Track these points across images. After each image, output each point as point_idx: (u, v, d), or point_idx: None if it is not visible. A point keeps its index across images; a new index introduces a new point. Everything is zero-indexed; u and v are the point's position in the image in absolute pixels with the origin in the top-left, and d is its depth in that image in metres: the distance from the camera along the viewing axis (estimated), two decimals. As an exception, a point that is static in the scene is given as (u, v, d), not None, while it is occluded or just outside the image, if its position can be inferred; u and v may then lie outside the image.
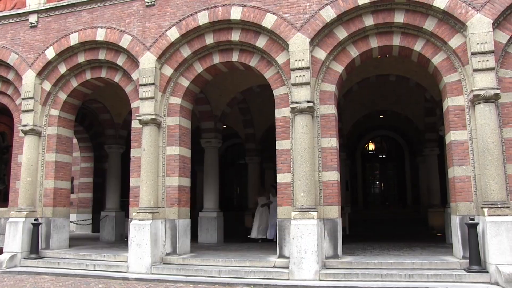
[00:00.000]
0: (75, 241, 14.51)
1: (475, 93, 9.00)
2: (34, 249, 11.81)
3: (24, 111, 12.57)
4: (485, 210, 8.63)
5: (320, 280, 8.96)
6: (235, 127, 19.18)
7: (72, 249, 12.59)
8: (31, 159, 12.37)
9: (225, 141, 19.33)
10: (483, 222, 8.66)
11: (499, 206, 8.58)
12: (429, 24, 9.76)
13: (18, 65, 12.92)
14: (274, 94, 10.58)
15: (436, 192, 17.38)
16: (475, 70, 9.13)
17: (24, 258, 11.75)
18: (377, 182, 24.15)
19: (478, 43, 9.14)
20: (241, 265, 9.93)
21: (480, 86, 9.00)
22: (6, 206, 13.57)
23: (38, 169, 12.54)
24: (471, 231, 8.69)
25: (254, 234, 14.76)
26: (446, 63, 9.78)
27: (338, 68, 10.33)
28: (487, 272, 8.42)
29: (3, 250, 11.95)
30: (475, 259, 8.60)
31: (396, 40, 10.11)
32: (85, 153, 20.39)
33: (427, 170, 18.14)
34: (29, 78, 12.61)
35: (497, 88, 8.97)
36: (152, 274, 10.16)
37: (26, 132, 12.44)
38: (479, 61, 9.11)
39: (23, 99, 12.65)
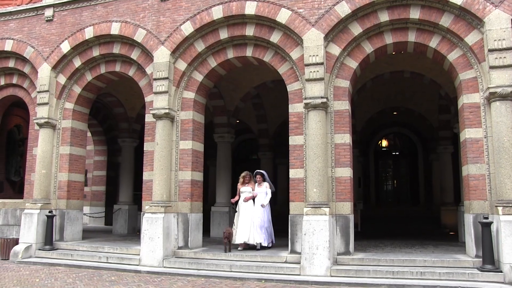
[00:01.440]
0: (88, 234, 14.67)
1: (491, 90, 8.88)
2: (48, 240, 11.98)
3: (39, 104, 12.73)
4: (500, 209, 8.53)
5: (332, 276, 8.95)
6: (248, 122, 19.19)
7: (85, 241, 12.73)
8: (46, 151, 12.52)
9: (238, 136, 19.37)
10: (497, 221, 8.56)
11: (514, 205, 8.47)
12: (445, 20, 9.64)
13: (34, 59, 13.06)
14: (288, 90, 10.56)
15: (449, 190, 17.23)
16: (492, 67, 9.01)
17: (39, 249, 11.93)
18: (390, 180, 23.99)
19: (495, 40, 9.00)
20: (252, 260, 9.95)
21: (497, 84, 8.88)
22: (22, 198, 13.77)
23: (53, 161, 12.69)
24: (485, 230, 8.59)
25: (237, 238, 11.05)
26: (462, 60, 9.66)
27: (353, 64, 10.27)
28: (501, 271, 8.32)
29: (19, 241, 12.14)
30: (489, 258, 8.51)
31: (412, 36, 10.01)
32: (99, 146, 20.57)
33: (441, 168, 17.98)
34: (44, 71, 12.75)
35: (514, 86, 8.83)
36: (164, 267, 10.24)
37: (41, 125, 12.60)
38: (496, 58, 8.98)
39: (38, 92, 12.81)
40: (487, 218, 8.69)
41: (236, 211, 11.62)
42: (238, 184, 11.60)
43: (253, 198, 11.40)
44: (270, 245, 11.17)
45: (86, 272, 10.01)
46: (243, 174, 11.62)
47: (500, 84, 8.85)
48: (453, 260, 9.09)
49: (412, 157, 22.84)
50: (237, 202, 11.61)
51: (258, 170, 11.70)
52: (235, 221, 11.43)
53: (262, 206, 11.16)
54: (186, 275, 9.41)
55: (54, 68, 12.70)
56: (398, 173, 23.61)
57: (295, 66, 10.44)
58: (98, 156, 20.84)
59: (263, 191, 11.33)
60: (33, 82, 13.39)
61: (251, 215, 11.08)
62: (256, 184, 11.49)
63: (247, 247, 10.98)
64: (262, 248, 10.90)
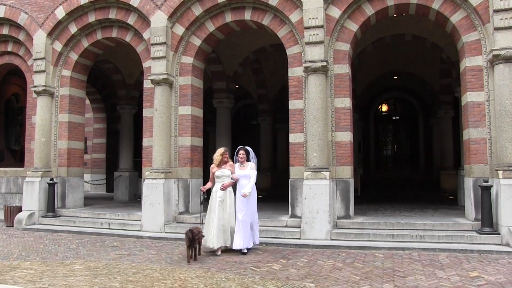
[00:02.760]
0: (89, 201, 14.78)
1: (495, 53, 8.73)
2: (50, 207, 12.07)
3: (36, 72, 12.56)
4: (500, 172, 8.54)
5: (332, 239, 9.04)
6: (247, 87, 19.03)
7: (87, 208, 12.83)
8: (45, 120, 12.45)
9: (238, 102, 19.29)
10: (497, 185, 8.59)
11: (514, 168, 8.47)
12: (449, -20, 9.39)
13: (28, 25, 12.81)
14: (287, 53, 10.39)
15: (449, 155, 17.24)
16: (496, 29, 8.81)
17: (42, 216, 12.04)
18: (390, 144, 24.00)
19: (501, 0, 8.78)
20: (253, 225, 10.03)
21: (501, 46, 8.72)
22: (23, 166, 13.79)
23: (52, 129, 12.63)
24: (485, 193, 8.63)
25: (212, 241, 8.13)
26: (465, 22, 9.46)
27: (353, 26, 10.07)
28: (499, 234, 8.41)
29: (22, 209, 12.24)
30: (487, 221, 8.58)
31: (414, -2, 9.78)
32: (98, 114, 20.49)
33: (441, 132, 17.93)
34: (40, 38, 12.52)
35: (519, 48, 8.68)
36: (165, 232, 10.34)
37: (38, 93, 12.48)
38: (502, 19, 8.77)
39: (34, 59, 12.62)
40: (487, 181, 8.71)
41: (204, 202, 8.78)
42: (212, 165, 8.53)
43: (234, 185, 8.52)
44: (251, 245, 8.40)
45: (88, 238, 10.12)
46: (220, 151, 8.55)
47: (505, 46, 8.69)
48: (452, 223, 9.15)
49: (412, 122, 22.78)
50: (209, 191, 8.70)
51: (242, 146, 8.65)
52: (207, 216, 8.35)
53: (244, 196, 8.19)
54: (188, 240, 9.51)
55: (49, 35, 12.48)
56: (398, 138, 23.59)
57: (295, 29, 10.24)
58: (97, 123, 20.80)
59: (247, 174, 8.38)
60: (29, 50, 13.17)
61: (231, 208, 8.34)
62: (238, 164, 8.53)
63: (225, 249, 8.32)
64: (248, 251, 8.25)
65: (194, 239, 7.46)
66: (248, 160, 8.58)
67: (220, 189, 8.29)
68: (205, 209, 8.64)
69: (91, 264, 7.31)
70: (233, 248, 8.15)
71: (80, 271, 6.78)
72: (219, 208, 8.20)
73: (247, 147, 8.69)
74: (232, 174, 8.43)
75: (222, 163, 8.48)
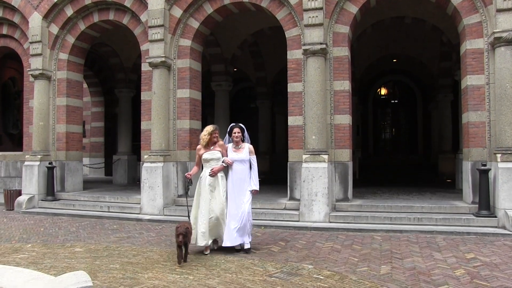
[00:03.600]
0: (88, 184, 14.82)
1: (497, 35, 8.66)
2: (50, 191, 12.10)
3: (33, 55, 12.46)
4: (498, 156, 8.55)
5: (330, 222, 9.09)
6: (246, 70, 18.94)
7: (86, 192, 12.87)
8: (43, 103, 12.39)
9: (236, 85, 19.18)
10: (495, 168, 8.61)
11: (512, 152, 8.49)
12: (450, -39, 9.29)
13: (23, 8, 12.66)
14: (286, 36, 10.32)
15: (447, 139, 17.25)
16: (499, 11, 8.73)
17: (41, 200, 12.08)
18: (388, 128, 24.01)
19: (505, -20, 8.69)
20: (252, 207, 10.01)
21: (503, 28, 8.64)
22: (21, 150, 13.79)
23: (50, 113, 12.58)
24: (483, 177, 8.66)
25: (201, 240, 6.73)
26: (467, 4, 9.37)
27: (353, 9, 9.97)
28: (495, 216, 8.47)
29: (22, 192, 12.26)
30: (485, 204, 8.63)
31: (414, -21, 9.69)
32: (95, 97, 20.41)
33: (440, 116, 17.91)
34: (35, 21, 12.39)
35: (521, 30, 8.62)
36: (165, 215, 10.40)
37: (36, 77, 12.40)
38: (505, 0, 8.69)
39: (30, 43, 12.51)
40: (485, 165, 8.73)
41: (188, 191, 7.14)
42: (199, 146, 7.08)
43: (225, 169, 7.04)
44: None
45: (88, 221, 10.17)
46: (208, 129, 7.01)
47: (507, 28, 8.61)
48: (449, 207, 9.21)
49: (411, 106, 22.76)
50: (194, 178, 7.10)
51: (236, 123, 7.18)
52: (193, 207, 6.95)
53: (255, 193, 7.02)
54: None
55: (45, 17, 12.34)
56: (397, 121, 23.59)
57: (294, 11, 10.15)
58: (95, 107, 20.73)
59: (244, 159, 6.93)
60: (25, 33, 13.06)
61: (224, 197, 6.89)
62: (231, 145, 7.07)
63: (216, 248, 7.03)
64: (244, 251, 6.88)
65: (184, 237, 6.02)
66: (243, 140, 7.06)
67: (209, 175, 6.82)
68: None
69: (91, 247, 7.35)
70: (229, 245, 6.78)
71: (81, 254, 6.82)
72: (209, 197, 6.79)
73: (241, 124, 7.12)
74: (224, 156, 6.99)
75: (211, 143, 7.01)
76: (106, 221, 10.23)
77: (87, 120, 20.80)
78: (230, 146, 7.06)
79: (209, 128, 7.07)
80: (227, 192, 6.95)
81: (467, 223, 8.51)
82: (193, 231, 6.62)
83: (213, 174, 6.87)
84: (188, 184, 7.00)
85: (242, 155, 6.95)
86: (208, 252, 6.78)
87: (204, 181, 6.87)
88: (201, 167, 7.11)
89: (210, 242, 6.86)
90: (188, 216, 6.92)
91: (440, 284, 5.07)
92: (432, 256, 6.48)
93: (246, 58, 17.54)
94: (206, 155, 6.95)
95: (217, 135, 7.06)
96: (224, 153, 7.04)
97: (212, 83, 15.39)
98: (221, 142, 7.10)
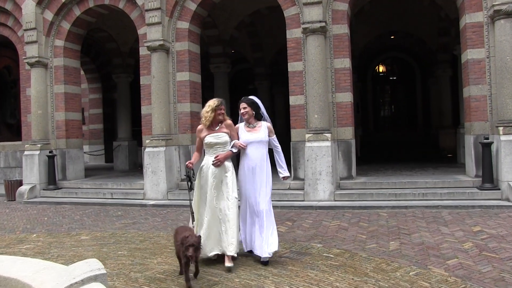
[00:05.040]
0: (90, 172, 14.79)
1: (496, 8, 8.57)
2: (51, 180, 12.06)
3: (28, 43, 12.29)
4: (500, 129, 8.54)
5: (335, 200, 9.11)
6: (243, 51, 18.77)
7: (88, 179, 12.84)
8: (40, 91, 12.27)
9: (234, 67, 19.00)
10: (497, 141, 8.61)
11: (515, 124, 8.48)
12: None
13: (15, -6, 12.46)
14: (285, 15, 10.19)
15: (447, 114, 17.23)
16: (499, -18, 8.64)
17: (43, 189, 12.04)
18: (388, 105, 23.94)
19: (505, -50, 8.55)
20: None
21: (502, 0, 8.55)
22: (20, 140, 13.70)
23: (48, 101, 12.47)
24: (485, 150, 8.66)
25: (206, 247, 5.14)
26: (466, -24, 9.26)
27: (351, -15, 9.86)
28: (499, 189, 8.51)
29: (23, 182, 12.21)
30: (488, 177, 8.65)
31: (413, -48, 9.53)
32: (93, 84, 20.23)
33: (439, 91, 17.86)
34: (29, 7, 12.19)
35: (521, 1, 8.53)
36: (169, 200, 10.40)
37: (32, 65, 12.25)
38: (505, -29, 8.58)
39: (25, 30, 12.32)
40: (487, 138, 8.73)
41: (192, 185, 5.35)
42: (200, 127, 5.46)
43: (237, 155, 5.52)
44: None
45: (92, 209, 10.16)
46: (212, 103, 5.35)
47: (506, 0, 8.53)
48: (453, 181, 9.24)
49: (410, 82, 22.64)
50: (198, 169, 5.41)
51: (246, 97, 5.62)
52: (195, 207, 5.38)
53: (285, 179, 5.65)
54: (192, 206, 9.55)
55: (39, 3, 12.14)
56: (396, 98, 23.50)
57: (292, -11, 10.01)
58: (93, 94, 20.55)
59: (262, 139, 5.41)
60: (18, 20, 12.87)
61: (234, 193, 5.27)
62: (242, 124, 5.52)
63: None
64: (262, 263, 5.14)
65: (194, 249, 4.31)
66: (258, 118, 5.54)
67: (213, 163, 5.21)
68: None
69: (97, 234, 7.35)
70: (253, 253, 5.32)
71: (87, 241, 6.83)
72: (213, 193, 5.21)
73: (253, 98, 5.61)
74: (230, 140, 5.37)
75: (215, 122, 5.36)
76: (110, 208, 10.22)
77: (85, 107, 20.64)
78: (241, 125, 5.50)
79: (212, 102, 5.35)
80: (239, 185, 5.40)
81: (471, 197, 8.54)
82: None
83: (218, 162, 5.20)
84: (191, 176, 5.29)
85: (260, 135, 5.38)
86: (231, 264, 5.01)
87: (206, 172, 5.25)
88: (202, 153, 5.56)
89: (213, 254, 5.19)
90: (192, 219, 5.20)
91: (450, 258, 5.10)
92: (439, 230, 6.50)
93: (244, 39, 17.38)
94: (210, 138, 5.28)
95: (223, 111, 5.37)
96: (234, 136, 5.40)
97: (210, 65, 15.27)
98: (228, 121, 5.43)
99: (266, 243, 5.08)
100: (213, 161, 5.23)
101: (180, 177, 11.00)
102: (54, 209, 10.38)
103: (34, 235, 7.55)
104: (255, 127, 5.47)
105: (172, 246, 6.16)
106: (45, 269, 3.36)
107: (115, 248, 6.26)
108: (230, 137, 5.39)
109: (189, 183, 5.33)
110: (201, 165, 5.38)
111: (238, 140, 5.41)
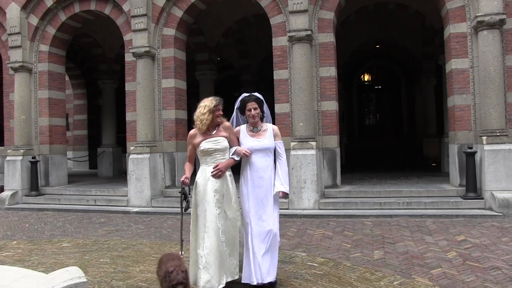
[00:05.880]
0: (73, 178, 14.60)
1: (479, 19, 8.71)
2: (34, 186, 11.86)
3: (12, 47, 12.12)
4: (484, 138, 8.64)
5: (320, 209, 9.11)
6: (229, 58, 18.77)
7: (72, 186, 12.67)
8: (24, 96, 12.10)
9: (220, 74, 18.98)
10: (481, 150, 8.70)
11: (497, 134, 8.59)
12: None
13: (-1, -2, 12.31)
14: (271, 23, 10.22)
15: (432, 122, 17.39)
16: (481, -6, 8.78)
17: (25, 196, 11.83)
18: (373, 113, 24.12)
19: (487, -36, 8.70)
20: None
21: (485, 12, 8.69)
22: (2, 145, 13.48)
23: (32, 106, 12.29)
24: (469, 159, 8.75)
25: (205, 279, 4.12)
26: (450, -13, 9.40)
27: (337, -6, 9.92)
28: (482, 198, 8.58)
29: (4, 188, 12.00)
30: (472, 187, 8.73)
31: (398, -37, 9.65)
32: (78, 90, 20.02)
33: (424, 100, 18.05)
34: (13, 11, 12.03)
35: (503, 14, 8.69)
36: (152, 207, 10.29)
37: (16, 69, 12.08)
38: (487, -17, 8.73)
39: (9, 34, 12.15)
40: (471, 148, 8.81)
41: (187, 203, 4.53)
42: (192, 131, 4.60)
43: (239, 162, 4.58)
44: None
45: (75, 216, 10.01)
46: (209, 104, 4.47)
47: (489, 12, 8.67)
48: (438, 190, 9.31)
49: (395, 91, 22.85)
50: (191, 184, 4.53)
51: (251, 94, 4.72)
52: (192, 230, 4.47)
53: (285, 196, 4.69)
54: (175, 214, 9.41)
55: (23, 8, 12.00)
56: (381, 106, 23.69)
57: (278, -2, 10.05)
58: (77, 100, 20.34)
59: (268, 146, 4.56)
60: (2, 24, 12.70)
61: (237, 211, 4.51)
62: (244, 127, 4.66)
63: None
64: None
65: (180, 281, 3.63)
66: (262, 118, 4.66)
67: (213, 175, 4.36)
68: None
69: (79, 241, 7.24)
70: (253, 283, 4.34)
71: (69, 248, 6.71)
72: (215, 210, 4.28)
73: (257, 94, 4.70)
74: (230, 146, 4.52)
75: (212, 126, 4.48)
76: (93, 214, 10.08)
77: (70, 113, 20.42)
78: (243, 128, 4.63)
79: (209, 102, 4.46)
80: (242, 198, 4.55)
81: (455, 206, 8.61)
82: (190, 268, 4.35)
83: (220, 173, 4.36)
84: (187, 193, 4.52)
85: (265, 141, 4.52)
86: None
87: (203, 186, 4.37)
88: (194, 164, 4.70)
89: (224, 283, 4.25)
90: (181, 250, 4.51)
91: (434, 267, 5.11)
92: (423, 239, 6.52)
93: (230, 46, 17.39)
94: (207, 144, 4.42)
95: (221, 112, 4.51)
96: (234, 140, 4.56)
97: (196, 73, 15.23)
98: (227, 123, 4.59)
99: (273, 267, 4.41)
100: (212, 172, 4.37)
101: (164, 184, 10.92)
102: (36, 216, 10.19)
103: (15, 242, 7.40)
104: (259, 130, 4.59)
105: (155, 254, 6.11)
106: (24, 278, 3.28)
107: (97, 256, 6.16)
108: (229, 142, 4.54)
109: (184, 202, 4.46)
110: (196, 178, 4.47)
111: (239, 145, 4.57)
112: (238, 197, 4.55)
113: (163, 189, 10.86)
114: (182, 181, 4.43)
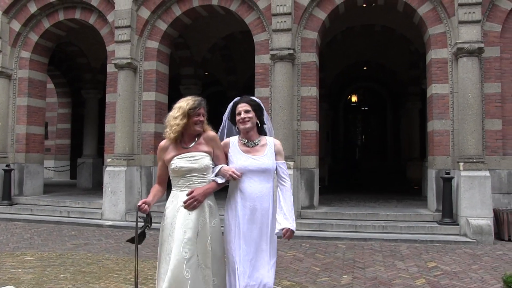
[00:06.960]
0: (51, 188, 14.34)
1: (459, 46, 8.77)
2: (6, 195, 11.56)
3: (-9, 52, 11.98)
4: (461, 164, 8.63)
5: (296, 230, 8.92)
6: (217, 74, 18.75)
7: (47, 196, 12.41)
8: (1, 103, 11.90)
9: (207, 89, 18.96)
10: (458, 176, 8.68)
11: (474, 160, 8.59)
12: (417, -29, 9.36)
13: (-19, 2, 12.18)
14: (255, 40, 10.21)
15: (416, 146, 17.45)
16: (461, 22, 8.88)
17: (-4, 204, 11.54)
18: (359, 134, 24.16)
19: (466, -7, 8.81)
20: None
21: (465, 39, 8.78)
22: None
23: (9, 113, 12.08)
24: (446, 185, 8.72)
25: None
26: (431, 14, 9.47)
27: (321, 15, 9.94)
28: (458, 224, 8.54)
29: (-26, 196, 11.71)
30: (448, 212, 8.69)
31: (382, -13, 9.72)
32: (62, 98, 19.82)
33: (409, 123, 18.14)
34: (-6, 16, 11.93)
35: (482, 42, 8.80)
36: (127, 221, 10.09)
37: (-6, 75, 11.92)
38: (466, 12, 8.84)
39: (-12, 39, 12.03)
40: (449, 173, 8.79)
41: (143, 238, 3.50)
42: (164, 143, 3.39)
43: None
44: None
45: (45, 227, 9.76)
46: (184, 105, 3.24)
47: (468, 39, 8.76)
48: (414, 214, 9.23)
49: (381, 113, 22.95)
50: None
51: (248, 96, 3.60)
52: (158, 274, 3.24)
53: (289, 237, 3.38)
54: (150, 228, 9.26)
55: (6, 12, 11.88)
56: (367, 128, 23.75)
57: (262, 15, 10.05)
58: (62, 108, 20.13)
59: (267, 166, 3.34)
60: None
61: (217, 252, 3.28)
62: (236, 139, 3.45)
63: None
64: None
65: None
66: (261, 131, 3.52)
67: (185, 205, 3.21)
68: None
69: (44, 255, 7.01)
70: None
71: (31, 262, 6.48)
72: (183, 254, 3.07)
73: (255, 98, 3.60)
74: (218, 163, 3.39)
75: (189, 136, 3.35)
76: (64, 227, 9.83)
77: (53, 121, 20.21)
78: (234, 141, 3.46)
79: (184, 102, 3.30)
80: (228, 237, 3.35)
81: (431, 231, 8.53)
82: None
83: (195, 203, 3.21)
84: (145, 224, 3.39)
85: (263, 160, 3.36)
86: None
87: (172, 218, 3.25)
88: (164, 187, 3.55)
89: None
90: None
91: (399, 296, 5.01)
92: (394, 265, 6.43)
93: (217, 62, 17.37)
94: (179, 162, 3.27)
95: (202, 118, 3.33)
96: (220, 157, 3.40)
97: (181, 87, 15.15)
98: (211, 133, 3.40)
99: None
100: (184, 201, 3.20)
101: (140, 198, 10.72)
102: (5, 226, 9.89)
103: (-26, 254, 7.16)
104: (256, 145, 3.40)
105: (119, 271, 5.94)
106: None
107: (59, 271, 5.96)
108: (212, 158, 3.36)
109: (143, 234, 3.39)
110: (166, 206, 3.32)
111: (227, 164, 3.40)
112: (222, 234, 3.38)
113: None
114: (139, 206, 3.22)
